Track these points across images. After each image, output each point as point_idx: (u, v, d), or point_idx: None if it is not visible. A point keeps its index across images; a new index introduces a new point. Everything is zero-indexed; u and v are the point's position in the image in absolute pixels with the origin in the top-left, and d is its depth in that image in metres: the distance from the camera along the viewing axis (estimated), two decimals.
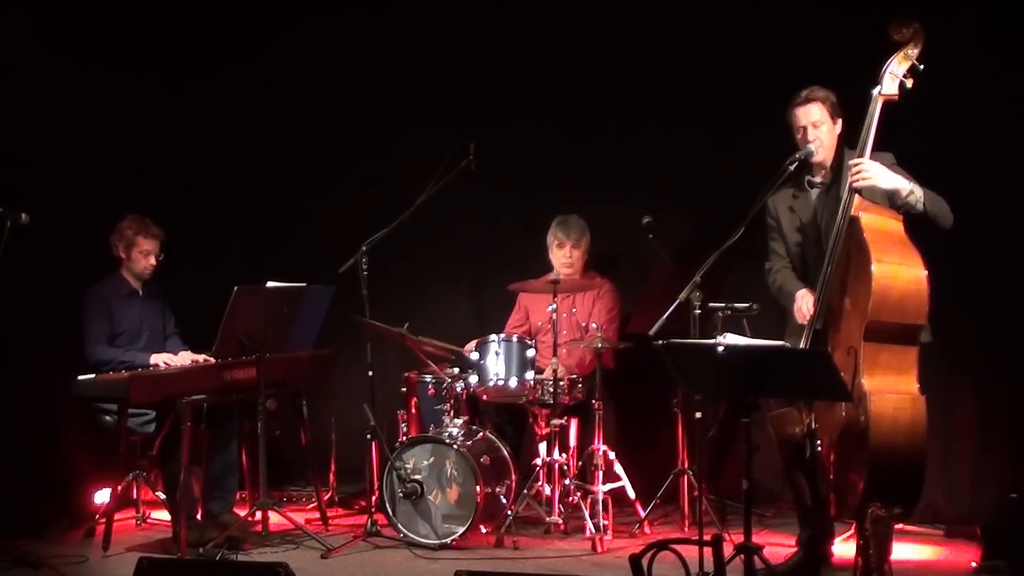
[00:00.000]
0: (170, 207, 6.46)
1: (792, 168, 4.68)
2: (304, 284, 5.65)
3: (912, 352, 4.35)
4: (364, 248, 5.76)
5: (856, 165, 4.47)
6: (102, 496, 5.92)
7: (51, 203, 5.82)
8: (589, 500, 5.61)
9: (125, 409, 5.52)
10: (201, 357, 5.84)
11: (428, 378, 6.14)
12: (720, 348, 4.06)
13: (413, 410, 6.18)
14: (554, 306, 5.72)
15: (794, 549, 4.87)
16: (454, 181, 5.88)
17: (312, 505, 6.35)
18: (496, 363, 5.88)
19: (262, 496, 5.51)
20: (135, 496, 6.03)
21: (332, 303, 5.78)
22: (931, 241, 4.50)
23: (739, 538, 4.22)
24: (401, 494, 5.55)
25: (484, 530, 5.60)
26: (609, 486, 5.68)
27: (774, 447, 4.76)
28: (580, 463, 5.95)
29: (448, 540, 5.47)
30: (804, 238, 4.81)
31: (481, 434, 5.83)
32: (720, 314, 5.25)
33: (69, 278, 6.12)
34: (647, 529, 5.75)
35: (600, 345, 5.67)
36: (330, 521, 6.03)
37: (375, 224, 5.85)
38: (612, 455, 5.75)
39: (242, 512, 5.79)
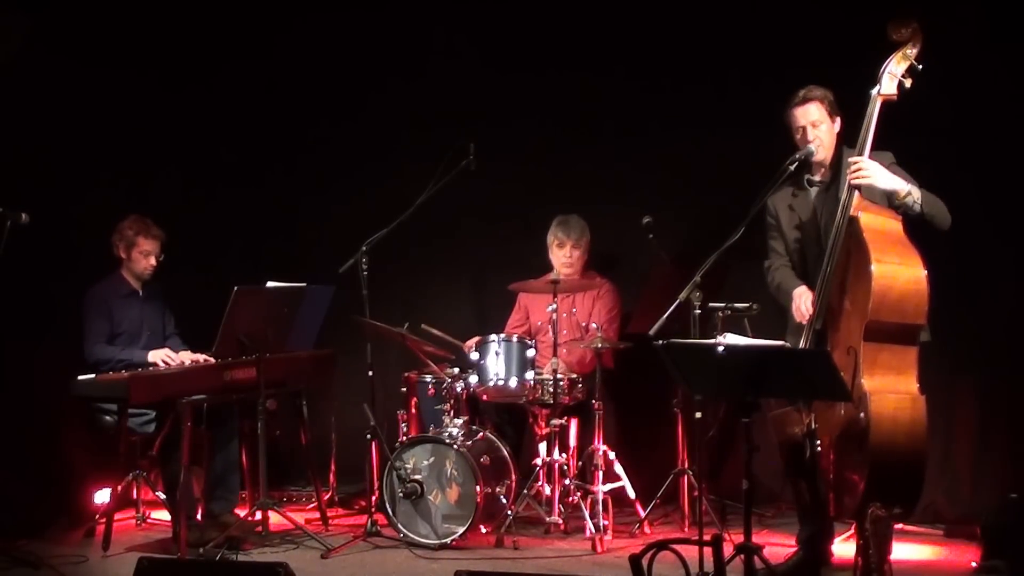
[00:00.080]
0: (170, 207, 6.46)
1: (792, 168, 4.68)
2: (304, 284, 5.65)
3: (912, 352, 4.35)
4: (364, 248, 5.76)
5: (854, 164, 4.47)
6: (102, 496, 5.92)
7: (51, 203, 5.82)
8: (589, 500, 5.61)
9: (125, 409, 5.52)
10: (201, 357, 5.84)
11: (428, 378, 6.14)
12: (720, 348, 4.07)
13: (413, 410, 6.18)
14: (554, 306, 5.72)
15: (794, 548, 4.87)
16: (454, 181, 5.88)
17: (312, 505, 6.35)
18: (496, 363, 5.88)
19: (262, 496, 5.51)
20: (135, 496, 6.03)
21: (332, 303, 5.78)
22: (931, 241, 4.50)
23: (739, 538, 4.22)
24: (401, 494, 5.55)
25: (484, 530, 5.61)
26: (609, 486, 5.68)
27: (774, 447, 4.77)
28: (580, 463, 5.95)
29: (448, 540, 5.47)
30: (804, 237, 4.81)
31: (481, 434, 5.83)
32: (720, 314, 5.26)
33: (69, 278, 6.12)
34: (647, 529, 5.75)
35: (600, 345, 5.67)
36: (330, 521, 6.03)
37: (375, 224, 5.85)
38: (612, 455, 5.75)
39: (242, 512, 5.79)
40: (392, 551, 5.49)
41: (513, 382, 5.84)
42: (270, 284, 5.50)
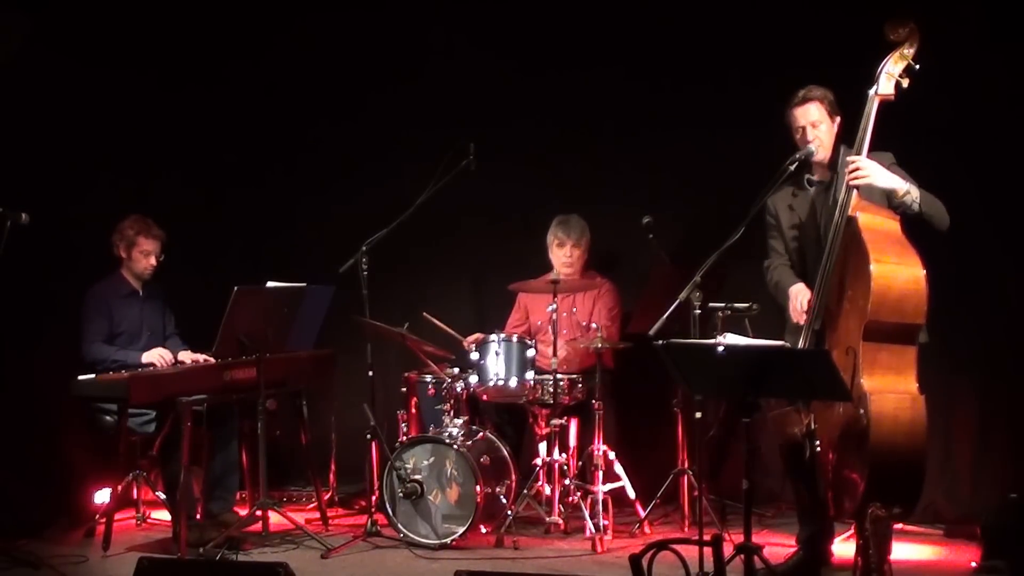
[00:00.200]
0: (170, 207, 6.45)
1: (792, 168, 4.68)
2: (304, 284, 5.65)
3: (911, 351, 4.35)
4: (364, 248, 5.76)
5: (853, 163, 4.47)
6: (102, 496, 5.92)
7: (51, 203, 5.82)
8: (589, 500, 5.61)
9: (125, 409, 5.52)
10: (201, 357, 5.84)
11: (428, 378, 6.14)
12: (720, 348, 4.07)
13: (413, 410, 6.18)
14: (554, 306, 5.72)
15: (794, 548, 4.87)
16: (454, 181, 5.89)
17: (312, 505, 6.35)
18: (496, 363, 5.88)
19: (262, 496, 5.51)
20: (135, 496, 6.03)
21: (332, 303, 5.78)
22: (930, 241, 4.50)
23: (739, 538, 4.22)
24: (401, 494, 5.55)
25: (484, 530, 5.61)
26: (609, 486, 5.68)
27: (774, 447, 4.77)
28: (580, 463, 5.95)
29: (448, 540, 5.47)
30: (803, 237, 4.81)
31: (481, 434, 5.83)
32: (720, 314, 5.26)
33: (69, 278, 6.13)
34: (647, 529, 5.75)
35: (600, 345, 5.67)
36: (330, 521, 6.03)
37: (375, 224, 5.86)
38: (612, 455, 5.75)
39: (242, 512, 5.79)
40: (392, 551, 5.49)
41: (513, 382, 5.84)
42: (270, 284, 5.50)
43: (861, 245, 4.33)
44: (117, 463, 5.65)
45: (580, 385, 5.87)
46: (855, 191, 4.48)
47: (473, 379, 5.92)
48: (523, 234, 6.62)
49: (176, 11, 6.80)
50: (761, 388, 4.10)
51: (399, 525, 5.56)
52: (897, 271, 4.29)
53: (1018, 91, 5.52)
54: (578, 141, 6.68)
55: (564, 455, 5.79)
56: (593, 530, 5.50)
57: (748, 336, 4.68)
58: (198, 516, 5.69)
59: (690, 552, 4.33)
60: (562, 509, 5.71)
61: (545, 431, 5.77)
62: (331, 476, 6.57)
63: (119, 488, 5.67)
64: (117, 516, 5.73)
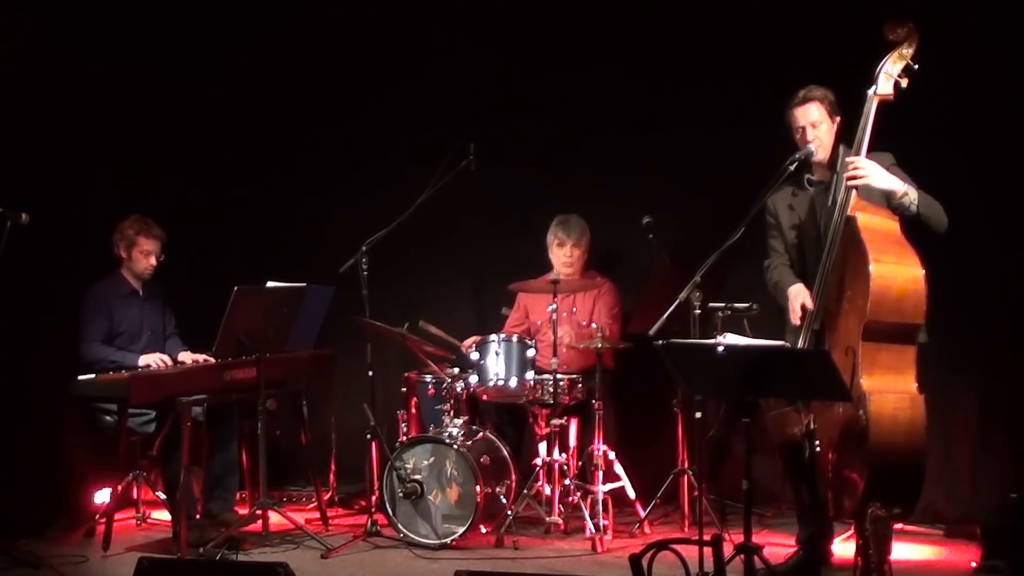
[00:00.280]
0: (170, 207, 6.46)
1: (792, 168, 4.68)
2: (304, 284, 5.65)
3: (910, 351, 4.35)
4: (364, 248, 5.76)
5: (851, 164, 4.48)
6: (102, 496, 5.92)
7: (51, 203, 5.82)
8: (589, 500, 5.61)
9: (125, 409, 5.52)
10: (201, 357, 5.85)
11: (428, 378, 6.14)
12: (720, 348, 4.07)
13: (413, 410, 6.18)
14: (554, 306, 5.73)
15: (794, 549, 4.87)
16: (454, 181, 5.89)
17: (312, 505, 6.35)
18: (496, 363, 5.88)
19: (262, 496, 5.51)
20: (135, 496, 6.03)
21: (332, 303, 5.78)
22: (930, 241, 4.50)
23: (739, 538, 4.22)
24: (401, 494, 5.55)
25: (484, 530, 5.61)
26: (609, 486, 5.68)
27: (774, 447, 4.76)
28: (580, 463, 5.95)
29: (448, 540, 5.47)
30: (803, 237, 4.81)
31: (481, 434, 5.83)
32: (720, 314, 5.26)
33: (69, 278, 6.13)
34: (647, 529, 5.75)
35: (600, 345, 5.67)
36: (330, 521, 6.03)
37: (375, 224, 5.86)
38: (612, 455, 5.75)
39: (242, 512, 5.79)
40: (392, 551, 5.49)
41: (513, 382, 5.84)
42: (270, 284, 5.50)
43: (860, 245, 4.33)
44: (117, 463, 5.65)
45: (580, 385, 5.87)
46: (854, 191, 4.48)
47: (473, 379, 5.92)
48: (523, 234, 6.62)
49: (176, 11, 6.80)
50: (761, 388, 4.10)
51: (399, 525, 5.56)
52: (896, 271, 4.29)
53: (1018, 91, 5.52)
54: (578, 141, 6.68)
55: (564, 455, 5.79)
56: (593, 530, 5.50)
57: (747, 336, 4.68)
58: (198, 516, 5.69)
59: (690, 552, 4.33)
60: (562, 509, 5.71)
61: (545, 431, 5.77)
62: (331, 476, 6.57)
63: (119, 488, 5.67)
64: (117, 516, 5.73)
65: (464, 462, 5.50)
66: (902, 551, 5.09)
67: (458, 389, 5.87)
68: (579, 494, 5.71)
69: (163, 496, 5.87)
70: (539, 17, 6.66)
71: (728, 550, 4.21)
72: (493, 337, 5.94)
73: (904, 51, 4.53)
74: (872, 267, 4.26)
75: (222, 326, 5.36)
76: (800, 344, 4.56)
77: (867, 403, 4.22)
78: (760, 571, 4.18)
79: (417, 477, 5.55)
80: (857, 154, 4.50)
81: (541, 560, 5.29)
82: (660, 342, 4.14)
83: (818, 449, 4.35)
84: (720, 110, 6.24)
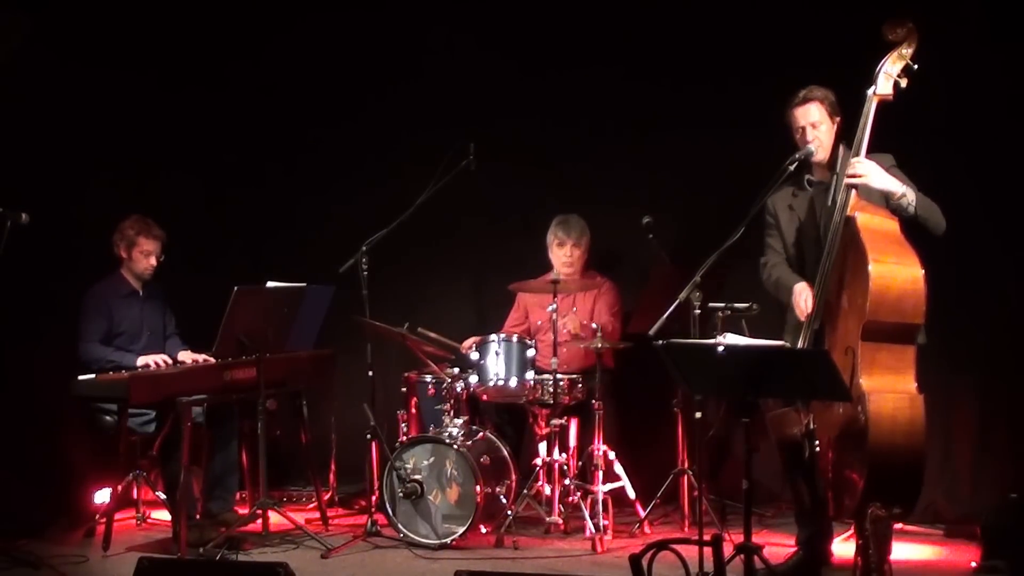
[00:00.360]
0: (170, 207, 6.45)
1: (792, 168, 4.68)
2: (304, 284, 5.65)
3: (910, 351, 4.35)
4: (364, 248, 5.76)
5: (850, 164, 4.48)
6: (102, 496, 5.92)
7: (51, 203, 5.82)
8: (589, 500, 5.61)
9: (125, 409, 5.53)
10: (201, 357, 5.85)
11: (428, 378, 6.14)
12: (720, 348, 4.07)
13: (413, 410, 6.18)
14: (554, 306, 5.73)
15: (794, 549, 4.87)
16: (454, 181, 5.89)
17: (312, 505, 6.35)
18: (496, 363, 5.88)
19: (262, 496, 5.51)
20: (135, 496, 6.03)
21: (332, 303, 5.78)
22: (930, 241, 4.50)
23: (739, 538, 4.22)
24: (401, 494, 5.55)
25: (484, 530, 5.61)
26: (609, 486, 5.68)
27: (774, 447, 4.76)
28: (580, 463, 5.95)
29: (448, 540, 5.47)
30: (803, 237, 4.81)
31: (481, 434, 5.83)
32: (720, 314, 5.25)
33: (69, 278, 6.13)
34: (647, 529, 5.75)
35: (600, 345, 5.67)
36: (330, 521, 6.03)
37: (375, 224, 5.86)
38: (612, 455, 5.75)
39: (242, 512, 5.79)
40: (392, 551, 5.49)
41: (513, 382, 5.84)
42: (270, 284, 5.50)
43: (860, 245, 4.33)
44: (117, 463, 5.64)
45: (580, 385, 5.87)
46: (854, 191, 4.48)
47: (473, 379, 5.92)
48: (523, 234, 6.62)
49: (176, 11, 6.80)
50: (761, 388, 4.10)
51: (399, 525, 5.56)
52: (896, 271, 4.29)
53: (1018, 91, 5.52)
54: (578, 141, 6.68)
55: (564, 455, 5.79)
56: (593, 530, 5.50)
57: (745, 336, 4.67)
58: (198, 516, 5.69)
59: (690, 552, 4.33)
60: (562, 509, 5.71)
61: (545, 431, 5.77)
62: (331, 476, 6.57)
63: (119, 488, 5.67)
64: (117, 516, 5.73)
65: (464, 462, 5.50)
66: (902, 551, 5.09)
67: (458, 389, 5.87)
68: (579, 494, 5.71)
69: (163, 496, 5.87)
70: (539, 17, 6.66)
71: (728, 550, 4.21)
72: (493, 337, 5.94)
73: (904, 51, 4.53)
74: (871, 267, 4.26)
75: (222, 326, 5.36)
76: (800, 344, 4.56)
77: (866, 403, 4.22)
78: (760, 571, 4.17)
79: (417, 477, 5.55)
80: (856, 154, 4.51)
81: (541, 560, 5.29)
82: (660, 342, 4.14)
83: (818, 449, 4.34)
84: (720, 110, 6.24)
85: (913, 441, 4.24)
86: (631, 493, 5.82)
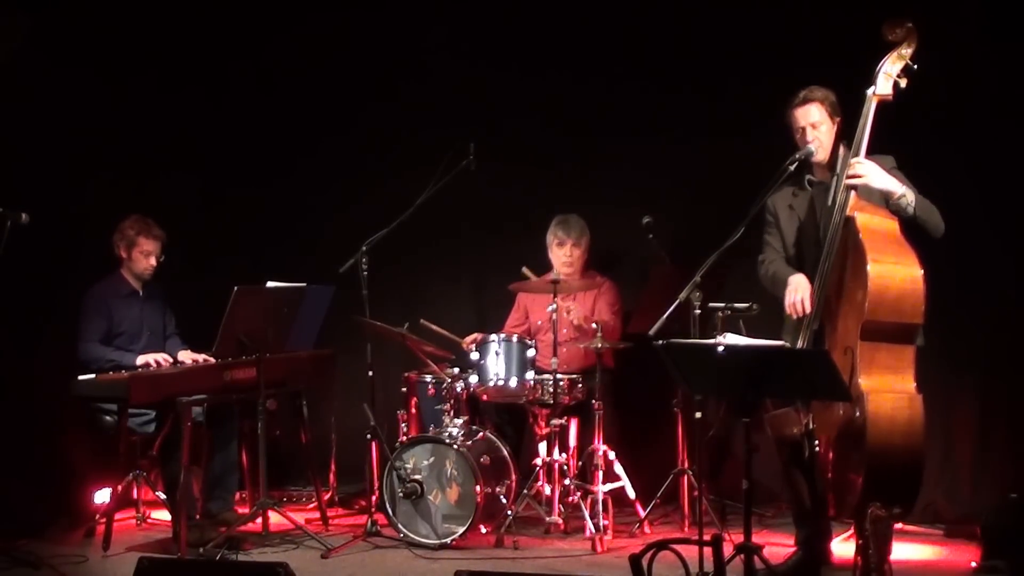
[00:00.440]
0: (170, 207, 6.45)
1: (792, 168, 4.68)
2: (304, 284, 5.65)
3: (909, 351, 4.35)
4: (364, 248, 5.76)
5: (850, 164, 4.48)
6: (102, 496, 5.92)
7: (51, 203, 5.82)
8: (589, 500, 5.61)
9: (125, 409, 5.53)
10: (201, 357, 5.85)
11: (428, 378, 6.14)
12: (720, 348, 4.07)
13: (413, 410, 6.18)
14: (554, 306, 5.73)
15: (793, 549, 4.87)
16: (454, 181, 5.89)
17: (312, 505, 6.35)
18: (496, 363, 5.88)
19: (262, 496, 5.51)
20: (135, 496, 6.03)
21: (332, 303, 5.78)
22: (930, 242, 4.51)
23: (739, 538, 4.22)
24: (401, 494, 5.55)
25: (484, 530, 5.61)
26: (609, 486, 5.68)
27: (774, 447, 4.76)
28: (580, 463, 5.95)
29: (448, 540, 5.47)
30: (803, 236, 4.81)
31: (481, 434, 5.83)
32: (720, 314, 5.25)
33: (69, 278, 6.13)
34: (647, 529, 5.75)
35: (600, 345, 5.67)
36: (330, 521, 6.03)
37: (375, 224, 5.86)
38: (612, 455, 5.75)
39: (242, 511, 5.79)
40: (392, 551, 5.49)
41: (513, 382, 5.84)
42: (270, 284, 5.50)
43: (859, 245, 4.33)
44: (117, 463, 5.65)
45: (580, 385, 5.87)
46: (853, 191, 4.48)
47: (473, 379, 5.92)
48: (523, 234, 6.62)
49: (176, 11, 6.80)
50: (761, 388, 4.10)
51: (399, 525, 5.56)
52: (895, 271, 4.30)
53: (1018, 91, 5.52)
54: (578, 141, 6.68)
55: (564, 455, 5.79)
56: (593, 530, 5.50)
57: (743, 335, 4.67)
58: (197, 516, 5.69)
59: (690, 552, 4.34)
60: (562, 509, 5.71)
61: (545, 431, 5.77)
62: (331, 476, 6.57)
63: (119, 488, 5.67)
64: (117, 516, 5.73)
65: (464, 462, 5.50)
66: (902, 551, 5.09)
67: (458, 389, 5.87)
68: (579, 494, 5.71)
69: (163, 496, 5.88)
70: (539, 17, 6.66)
71: (728, 550, 4.21)
72: (493, 337, 5.94)
73: (903, 51, 4.53)
74: (870, 267, 4.26)
75: (222, 326, 5.36)
76: (799, 344, 4.56)
77: (865, 403, 4.22)
78: (760, 571, 4.17)
79: (417, 477, 5.55)
80: (856, 154, 4.51)
81: (541, 560, 5.29)
82: (660, 342, 4.14)
83: (817, 449, 4.34)
84: (720, 110, 6.24)
85: (912, 441, 4.24)
86: (631, 493, 5.82)
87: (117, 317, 5.94)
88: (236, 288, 5.34)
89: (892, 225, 4.44)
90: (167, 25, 6.81)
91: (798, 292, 4.62)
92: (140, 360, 5.78)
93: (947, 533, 5.54)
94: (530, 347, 5.91)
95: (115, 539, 5.54)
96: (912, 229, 4.48)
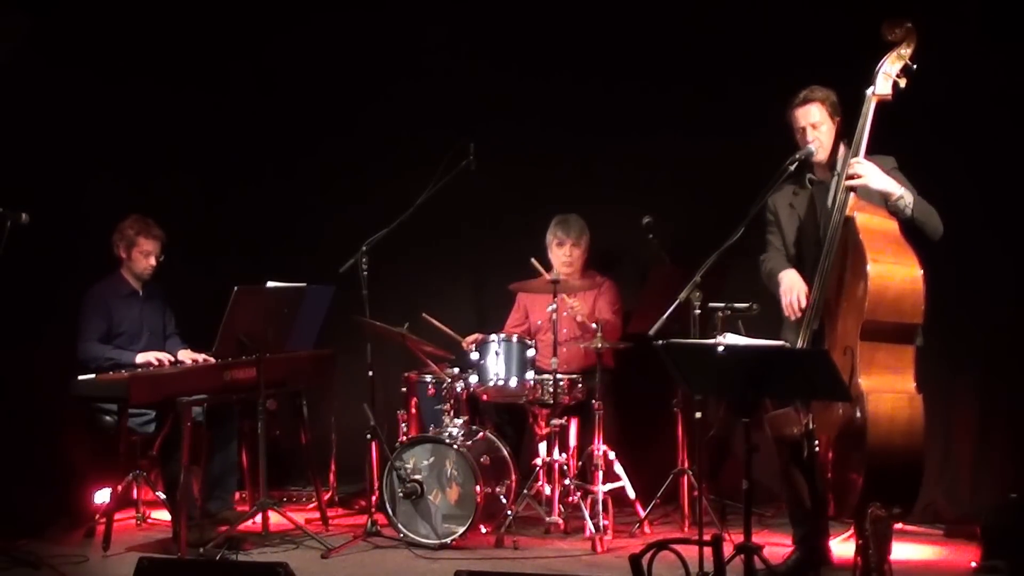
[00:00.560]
0: (170, 207, 6.46)
1: (792, 168, 4.69)
2: (304, 284, 5.65)
3: (909, 351, 4.35)
4: (364, 248, 5.76)
5: (850, 165, 4.48)
6: (102, 496, 5.92)
7: (51, 203, 5.82)
8: (589, 500, 5.61)
9: (125, 409, 5.53)
10: (201, 357, 5.85)
11: (428, 378, 6.14)
12: (720, 348, 4.07)
13: (413, 410, 6.18)
14: (554, 306, 5.73)
15: (791, 548, 4.87)
16: (454, 181, 5.89)
17: (312, 505, 6.35)
18: (496, 363, 5.88)
19: (262, 496, 5.51)
20: (135, 496, 6.03)
21: (332, 303, 5.78)
22: (930, 242, 4.51)
23: (739, 538, 4.22)
24: (401, 494, 5.55)
25: (484, 530, 5.61)
26: (609, 486, 5.68)
27: (774, 447, 4.76)
28: (580, 463, 5.95)
29: (448, 540, 5.47)
30: (803, 236, 4.81)
31: (481, 434, 5.83)
32: (720, 314, 5.25)
33: (69, 278, 6.13)
34: (647, 529, 5.75)
35: (600, 345, 5.67)
36: (330, 521, 6.03)
37: (375, 224, 5.86)
38: (612, 455, 5.75)
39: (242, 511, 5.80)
40: (392, 551, 5.49)
41: (513, 382, 5.84)
42: (270, 284, 5.50)
43: (859, 245, 4.34)
44: (117, 463, 5.65)
45: (580, 385, 5.87)
46: (853, 191, 4.48)
47: (473, 379, 5.92)
48: (523, 234, 6.61)
49: (176, 12, 6.80)
50: (761, 388, 4.10)
51: (399, 525, 5.56)
52: (895, 271, 4.30)
53: (1018, 91, 5.52)
54: (578, 141, 6.68)
55: (564, 455, 5.79)
56: (593, 530, 5.50)
57: (742, 335, 4.68)
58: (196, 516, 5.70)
59: (690, 552, 4.34)
60: (562, 509, 5.71)
61: (545, 431, 5.77)
62: (331, 476, 6.57)
63: (119, 488, 5.67)
64: (117, 516, 5.73)
65: (464, 462, 5.50)
66: (902, 551, 5.09)
67: (458, 389, 5.87)
68: (579, 494, 5.71)
69: (163, 496, 5.88)
70: (539, 17, 6.66)
71: (728, 550, 4.21)
72: (493, 337, 5.94)
73: (903, 51, 4.54)
74: (870, 267, 4.27)
75: (222, 326, 5.36)
76: (799, 344, 4.56)
77: (865, 403, 4.22)
78: (760, 571, 4.18)
79: (417, 477, 5.55)
80: (856, 154, 4.51)
81: (541, 560, 5.29)
82: (660, 342, 4.14)
83: (817, 449, 4.34)
84: (720, 110, 6.24)
85: (912, 441, 4.25)
86: (631, 493, 5.82)
87: (117, 317, 5.93)
88: (236, 288, 5.34)
89: (892, 225, 4.44)
90: (167, 25, 6.81)
91: (792, 292, 4.62)
92: (140, 359, 5.78)
93: (947, 533, 5.54)
94: (530, 347, 5.91)
95: (115, 539, 5.54)
96: (911, 230, 4.48)
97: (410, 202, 5.89)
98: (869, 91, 4.53)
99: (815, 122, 4.69)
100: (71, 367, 5.66)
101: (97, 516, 5.82)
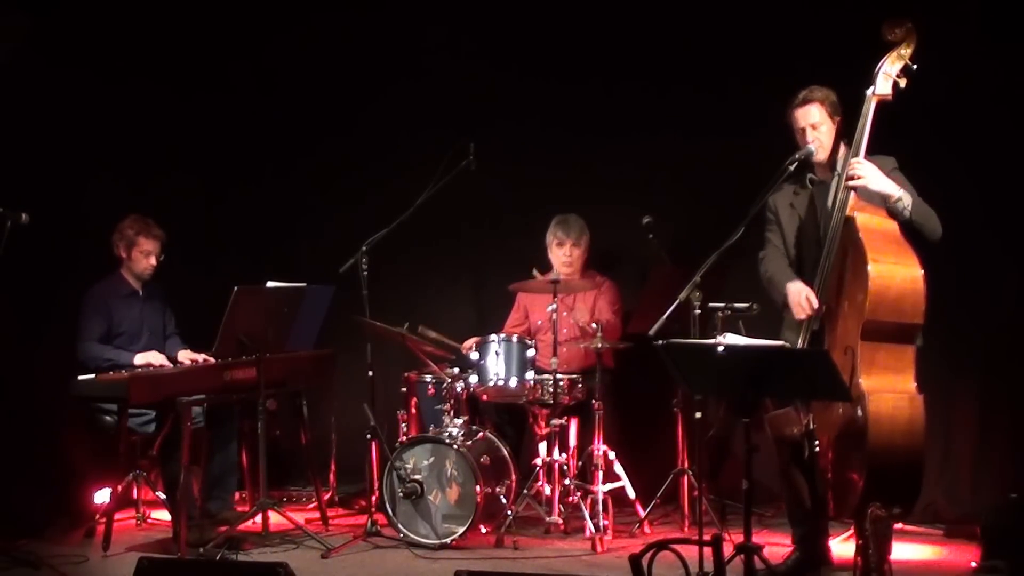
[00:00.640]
0: (170, 207, 6.45)
1: (792, 168, 4.69)
2: (304, 284, 5.66)
3: (909, 351, 4.35)
4: (364, 248, 5.76)
5: (850, 165, 4.48)
6: (102, 496, 5.92)
7: (51, 203, 5.83)
8: (589, 500, 5.61)
9: (125, 409, 5.52)
10: (201, 357, 5.84)
11: (428, 378, 6.14)
12: (720, 348, 4.07)
13: (413, 410, 6.18)
14: (554, 306, 5.73)
15: (791, 548, 4.87)
16: (454, 181, 5.89)
17: (312, 505, 6.35)
18: (496, 363, 5.88)
19: (262, 496, 5.51)
20: (135, 496, 6.03)
21: (332, 303, 5.78)
22: (930, 243, 4.50)
23: (739, 538, 4.22)
24: (401, 494, 5.55)
25: (484, 530, 5.61)
26: (609, 486, 5.68)
27: (774, 447, 4.76)
28: (580, 463, 5.95)
29: (448, 540, 5.47)
30: (803, 236, 4.81)
31: (481, 434, 5.83)
32: (720, 314, 5.24)
33: (69, 278, 6.13)
34: (647, 529, 5.75)
35: (600, 345, 5.67)
36: (330, 521, 6.03)
37: (375, 224, 5.86)
38: (612, 455, 5.75)
39: (242, 511, 5.80)
40: (392, 551, 5.49)
41: (513, 382, 5.84)
42: (270, 284, 5.50)
43: (859, 245, 4.34)
44: (117, 463, 5.64)
45: (580, 385, 5.87)
46: (853, 191, 4.49)
47: (473, 379, 5.92)
48: (523, 234, 6.62)
49: (176, 12, 6.80)
50: (761, 388, 4.10)
51: (399, 525, 5.56)
52: (895, 271, 4.30)
53: (1018, 91, 5.52)
54: (578, 141, 6.68)
55: (564, 455, 5.79)
56: (593, 530, 5.50)
57: (742, 335, 4.67)
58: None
59: (690, 552, 4.34)
60: (562, 509, 5.71)
61: (545, 431, 5.77)
62: (331, 476, 6.57)
63: (119, 488, 5.67)
64: (117, 516, 5.73)
65: (464, 462, 5.50)
66: (902, 551, 5.09)
67: (458, 389, 5.87)
68: (579, 494, 5.71)
69: (163, 496, 5.87)
70: (539, 17, 6.66)
71: (728, 550, 4.21)
72: (493, 337, 5.94)
73: (903, 51, 4.54)
74: (870, 267, 4.27)
75: (222, 326, 5.36)
76: (799, 344, 4.56)
77: (866, 403, 4.22)
78: (760, 571, 4.18)
79: (417, 477, 5.55)
80: (856, 155, 4.51)
81: (541, 560, 5.29)
82: (660, 342, 4.14)
83: (817, 449, 4.34)
84: (720, 110, 6.24)
85: (912, 441, 4.25)
86: (631, 493, 5.82)
87: (117, 317, 5.93)
88: (236, 288, 5.34)
89: (892, 225, 4.44)
90: (167, 25, 6.81)
91: (801, 295, 4.61)
92: (139, 359, 5.77)
93: (947, 533, 5.54)
94: (530, 347, 5.91)
95: (115, 539, 5.54)
96: (910, 231, 4.48)
97: (410, 202, 5.89)
98: (869, 91, 4.53)
99: (815, 122, 4.69)
100: (71, 367, 5.66)
101: (97, 516, 5.82)
